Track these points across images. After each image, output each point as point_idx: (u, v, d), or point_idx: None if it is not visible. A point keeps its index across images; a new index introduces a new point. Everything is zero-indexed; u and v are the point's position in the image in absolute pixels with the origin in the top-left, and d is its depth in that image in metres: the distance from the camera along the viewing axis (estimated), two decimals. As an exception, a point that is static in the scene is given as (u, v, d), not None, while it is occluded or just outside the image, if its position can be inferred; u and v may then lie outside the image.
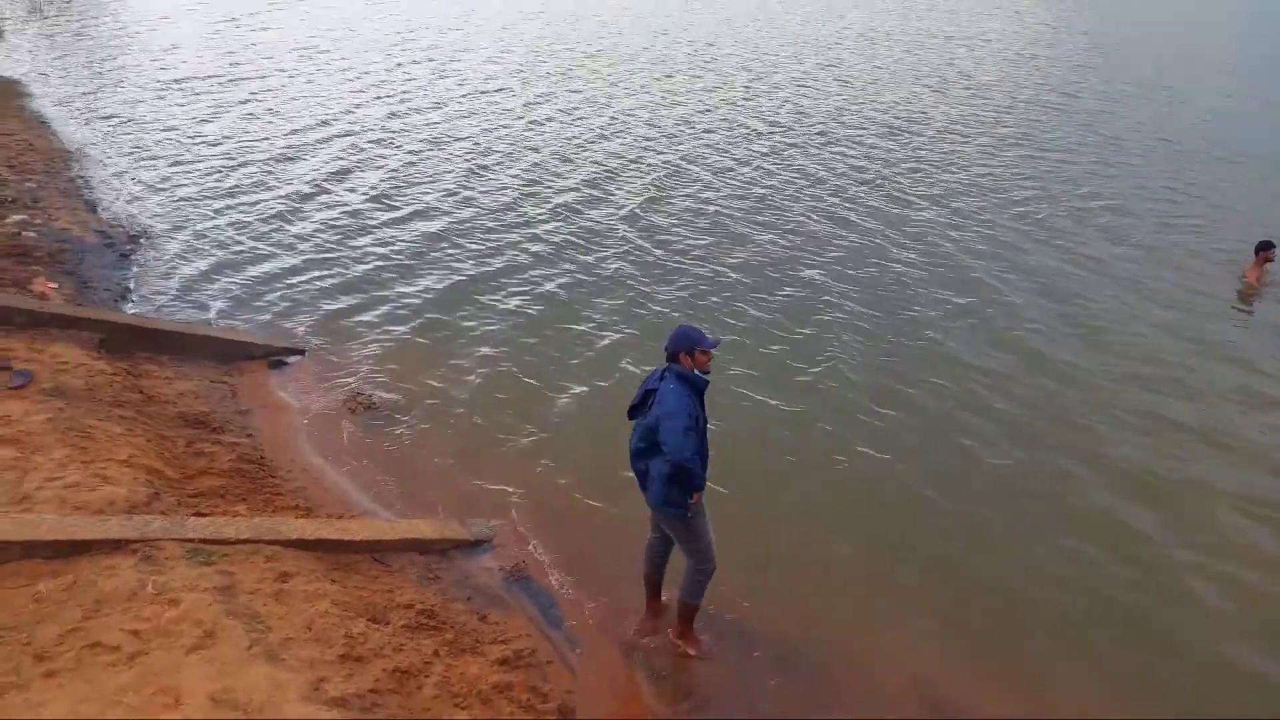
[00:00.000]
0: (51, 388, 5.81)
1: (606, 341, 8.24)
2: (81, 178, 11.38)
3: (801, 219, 11.47)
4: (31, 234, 8.95)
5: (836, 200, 12.22)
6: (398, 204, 11.51)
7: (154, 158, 12.55)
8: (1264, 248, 9.86)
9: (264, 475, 5.79)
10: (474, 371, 7.64)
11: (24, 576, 3.97)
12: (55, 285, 7.78)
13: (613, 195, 12.12)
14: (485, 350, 8.00)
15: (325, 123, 14.93)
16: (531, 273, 9.64)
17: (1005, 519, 6.17)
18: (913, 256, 10.42)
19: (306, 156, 13.16)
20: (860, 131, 15.81)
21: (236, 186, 11.72)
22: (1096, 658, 5.03)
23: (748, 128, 15.80)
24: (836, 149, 14.64)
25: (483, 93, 17.53)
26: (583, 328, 8.48)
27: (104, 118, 14.30)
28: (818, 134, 15.52)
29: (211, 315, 8.31)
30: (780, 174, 13.27)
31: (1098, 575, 5.66)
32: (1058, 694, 4.82)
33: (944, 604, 5.37)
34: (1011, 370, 8.00)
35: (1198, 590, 5.58)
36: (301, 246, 10.01)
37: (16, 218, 9.23)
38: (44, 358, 6.27)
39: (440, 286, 9.22)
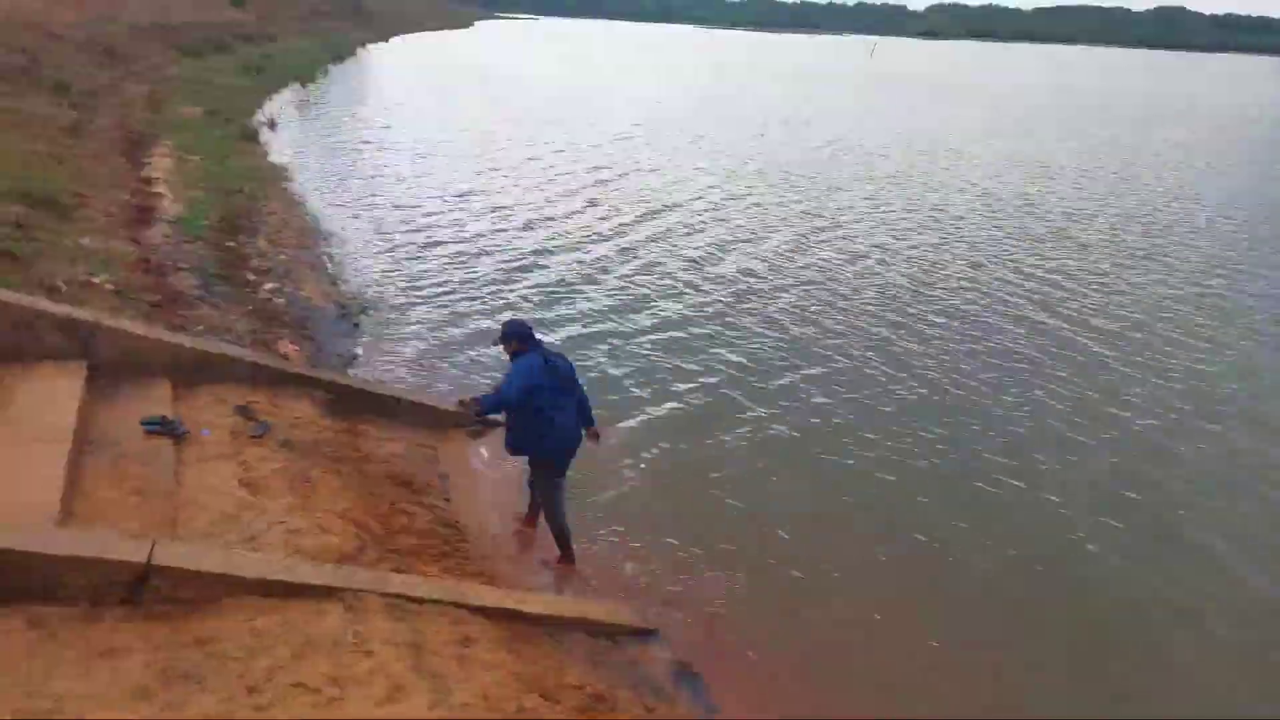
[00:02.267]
0: (284, 440, 6.45)
1: (802, 428, 8.25)
2: (327, 253, 12.79)
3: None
4: (281, 301, 10.11)
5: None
6: (611, 288, 12.16)
7: (390, 238, 13.93)
8: None
9: (456, 539, 6.10)
10: (670, 456, 7.78)
11: (247, 611, 4.37)
12: (297, 347, 8.71)
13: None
14: (686, 436, 8.17)
15: (545, 216, 16.07)
16: (750, 359, 9.91)
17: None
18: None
19: (525, 244, 14.17)
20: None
21: (461, 267, 12.77)
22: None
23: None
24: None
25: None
26: (781, 422, 8.50)
27: (351, 200, 16.09)
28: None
29: (425, 383, 8.98)
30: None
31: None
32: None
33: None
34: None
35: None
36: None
37: (270, 285, 10.48)
38: (281, 411, 6.98)
39: (637, 369, 9.57)
